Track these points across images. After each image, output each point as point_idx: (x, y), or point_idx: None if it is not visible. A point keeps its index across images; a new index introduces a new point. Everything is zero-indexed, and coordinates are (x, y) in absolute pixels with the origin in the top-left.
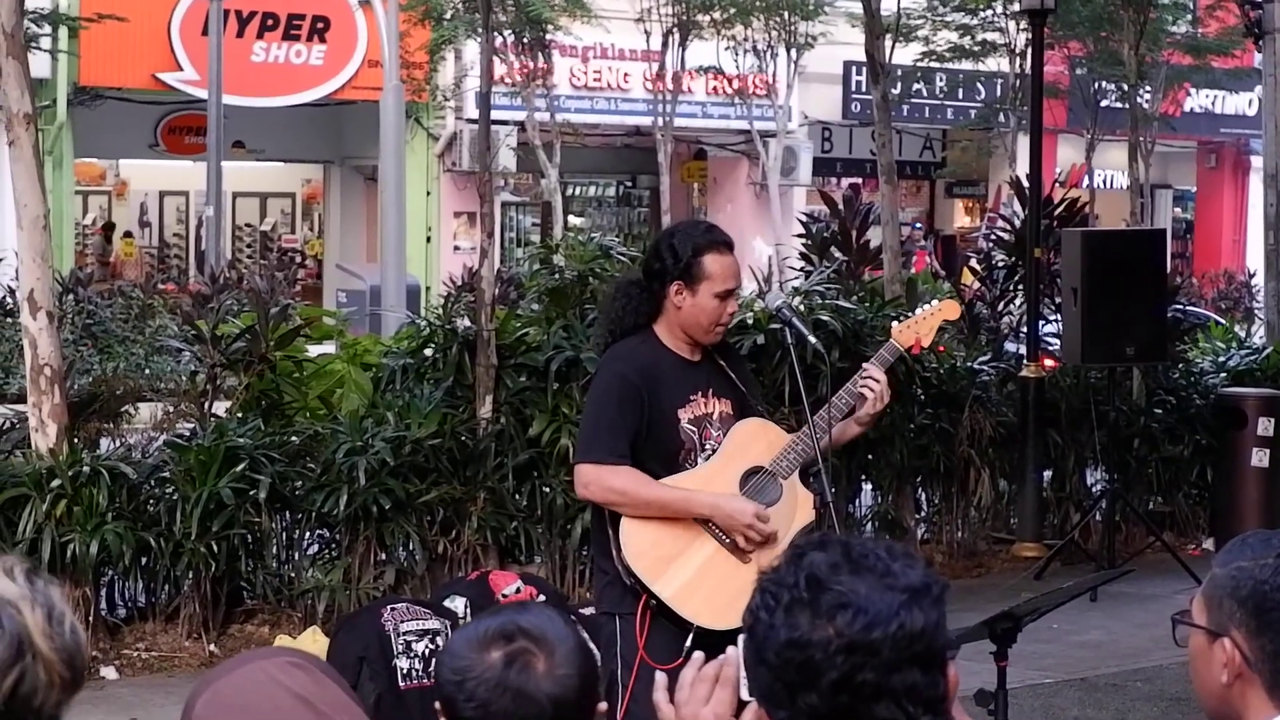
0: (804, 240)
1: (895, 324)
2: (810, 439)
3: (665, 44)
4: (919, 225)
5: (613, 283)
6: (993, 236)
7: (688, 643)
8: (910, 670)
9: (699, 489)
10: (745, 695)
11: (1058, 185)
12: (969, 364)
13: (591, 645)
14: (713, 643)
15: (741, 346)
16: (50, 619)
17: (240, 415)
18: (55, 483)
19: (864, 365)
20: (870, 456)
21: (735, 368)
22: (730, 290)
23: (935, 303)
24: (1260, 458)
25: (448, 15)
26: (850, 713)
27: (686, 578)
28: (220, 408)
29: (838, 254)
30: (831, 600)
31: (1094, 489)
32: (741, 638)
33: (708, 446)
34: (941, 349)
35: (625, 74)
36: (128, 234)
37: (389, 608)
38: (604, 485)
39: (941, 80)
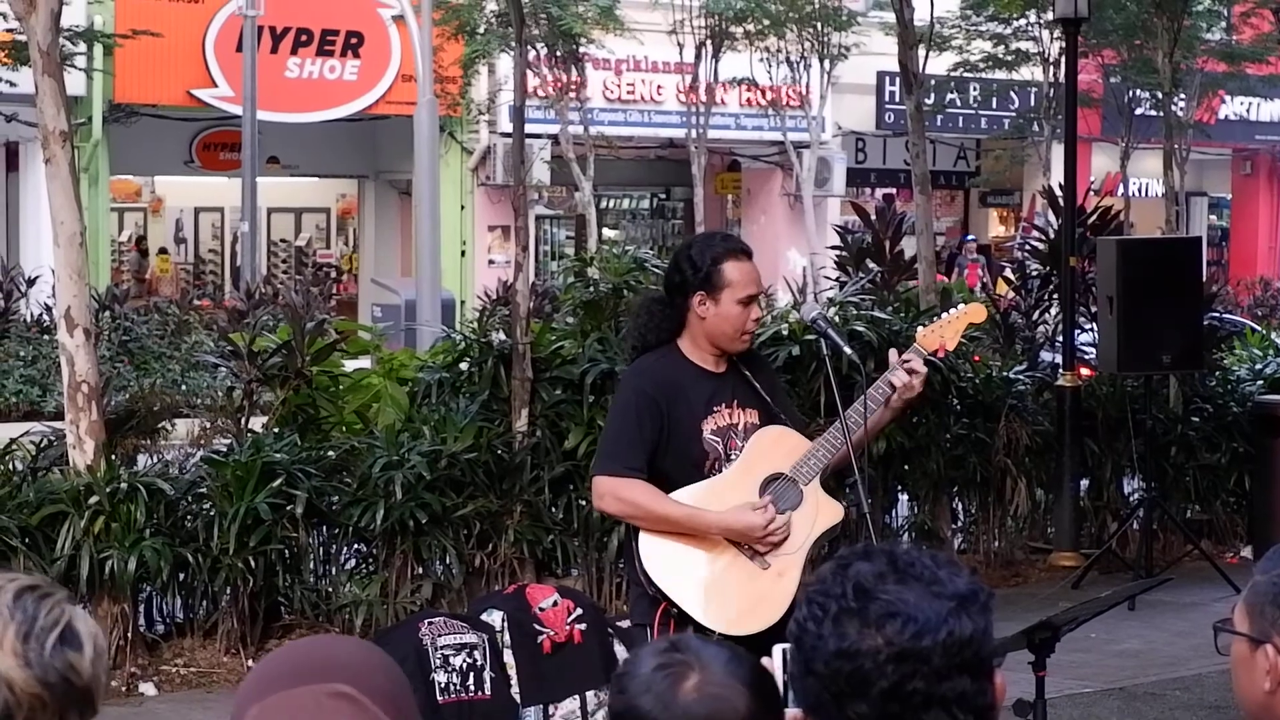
0: (839, 251)
1: (920, 328)
2: (832, 445)
3: (698, 56)
4: (971, 237)
5: (636, 301)
6: (1027, 246)
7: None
8: (960, 678)
9: (714, 501)
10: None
11: (1092, 194)
12: (1005, 373)
13: (769, 694)
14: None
15: (776, 358)
16: (27, 637)
17: (277, 430)
18: (93, 499)
19: (893, 355)
20: (906, 467)
21: (761, 378)
22: (752, 296)
23: (962, 306)
24: None
25: (481, 30)
26: None
27: (704, 585)
28: (257, 423)
29: (872, 265)
30: (880, 609)
31: (1131, 498)
32: (781, 648)
33: (733, 456)
34: (977, 359)
35: (659, 86)
36: (162, 250)
37: (426, 621)
38: (617, 497)
39: (975, 90)
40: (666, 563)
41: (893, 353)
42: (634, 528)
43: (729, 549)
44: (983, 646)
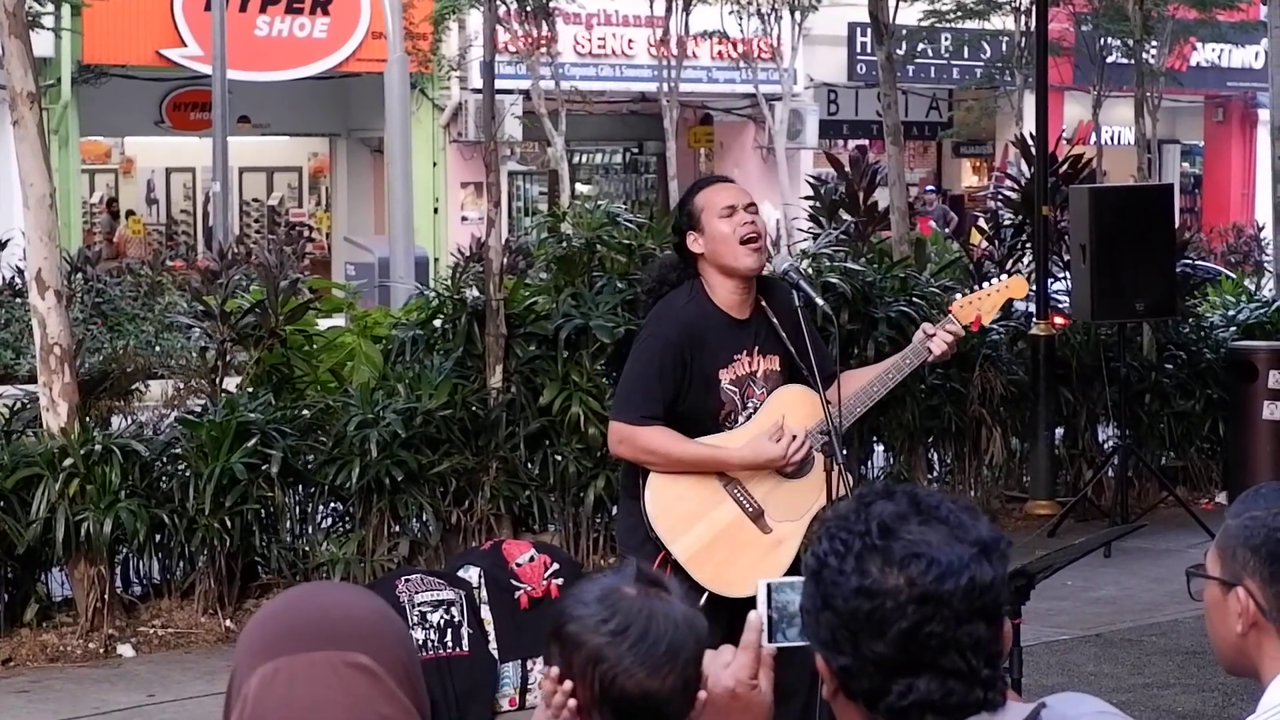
0: (812, 202)
1: (958, 297)
2: (850, 412)
3: (669, 9)
4: (931, 189)
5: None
6: (1000, 195)
7: (700, 602)
8: (977, 623)
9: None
10: (766, 643)
11: (1064, 142)
12: None
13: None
14: (724, 607)
15: None
16: None
17: (251, 390)
18: (68, 462)
19: (926, 327)
20: (881, 418)
21: (788, 325)
22: (731, 207)
23: (1002, 279)
24: (1272, 410)
25: None
26: (916, 663)
27: (704, 542)
28: (231, 383)
29: (846, 216)
30: (903, 549)
31: (1106, 445)
32: (765, 583)
33: (750, 404)
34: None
35: (630, 40)
36: (130, 212)
37: (403, 579)
38: (635, 444)
39: (947, 40)
40: (669, 512)
41: (925, 326)
42: (638, 475)
43: (733, 508)
44: (999, 594)
